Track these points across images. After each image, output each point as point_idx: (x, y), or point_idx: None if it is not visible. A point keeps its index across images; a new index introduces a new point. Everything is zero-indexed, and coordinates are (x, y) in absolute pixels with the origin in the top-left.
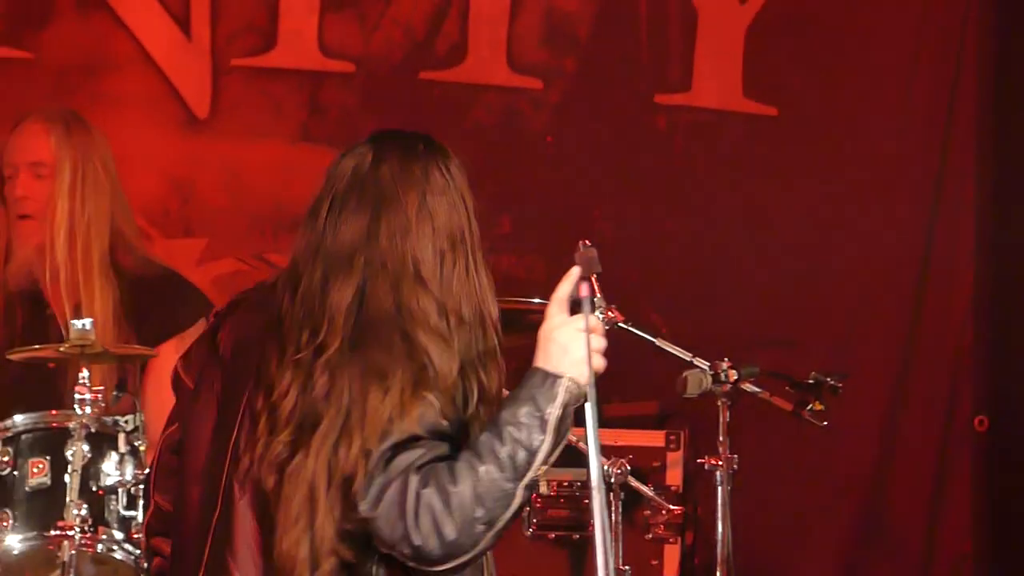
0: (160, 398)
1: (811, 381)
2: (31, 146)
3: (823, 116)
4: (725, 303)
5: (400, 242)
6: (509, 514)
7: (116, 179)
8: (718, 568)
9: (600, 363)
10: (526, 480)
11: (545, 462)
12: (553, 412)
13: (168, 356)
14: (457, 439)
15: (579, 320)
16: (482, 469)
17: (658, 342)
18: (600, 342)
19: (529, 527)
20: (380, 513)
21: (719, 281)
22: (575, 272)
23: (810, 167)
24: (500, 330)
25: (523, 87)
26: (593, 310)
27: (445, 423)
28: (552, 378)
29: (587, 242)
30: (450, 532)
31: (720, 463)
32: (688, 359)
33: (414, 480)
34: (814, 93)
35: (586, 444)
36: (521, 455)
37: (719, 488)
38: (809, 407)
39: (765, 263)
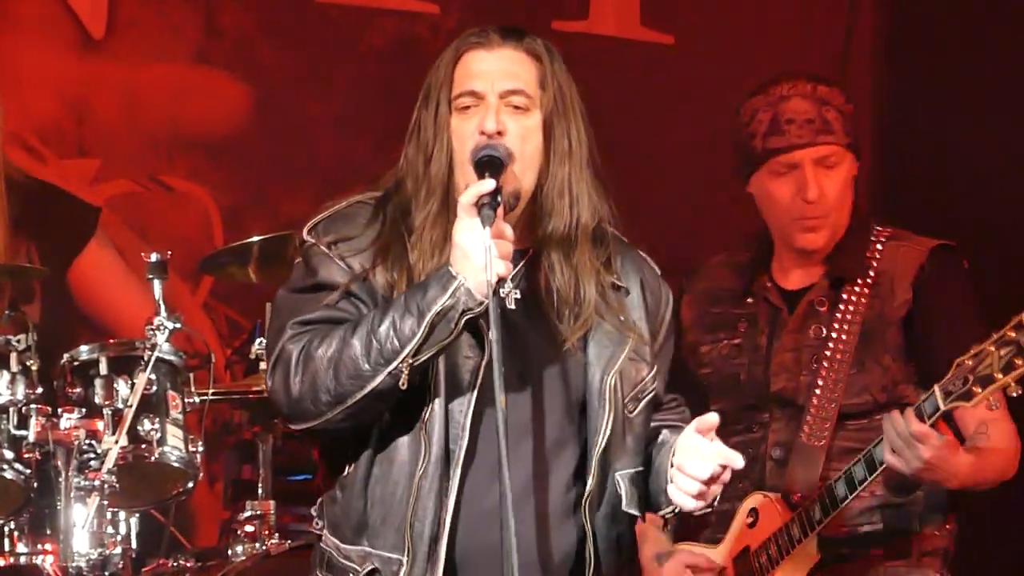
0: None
1: None
2: None
3: (720, 45)
4: (621, 229)
5: None
6: (361, 395)
7: None
8: None
9: (503, 268)
10: (390, 368)
11: (413, 356)
12: (434, 308)
13: (83, 271)
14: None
15: (480, 226)
16: (352, 341)
17: None
18: (505, 248)
19: None
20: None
21: (615, 208)
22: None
23: (707, 96)
24: None
25: (420, 11)
26: (492, 219)
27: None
28: (448, 276)
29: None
30: (295, 391)
31: None
32: None
33: (288, 333)
34: (710, 21)
35: None
36: (393, 341)
37: None
38: None
39: (662, 191)
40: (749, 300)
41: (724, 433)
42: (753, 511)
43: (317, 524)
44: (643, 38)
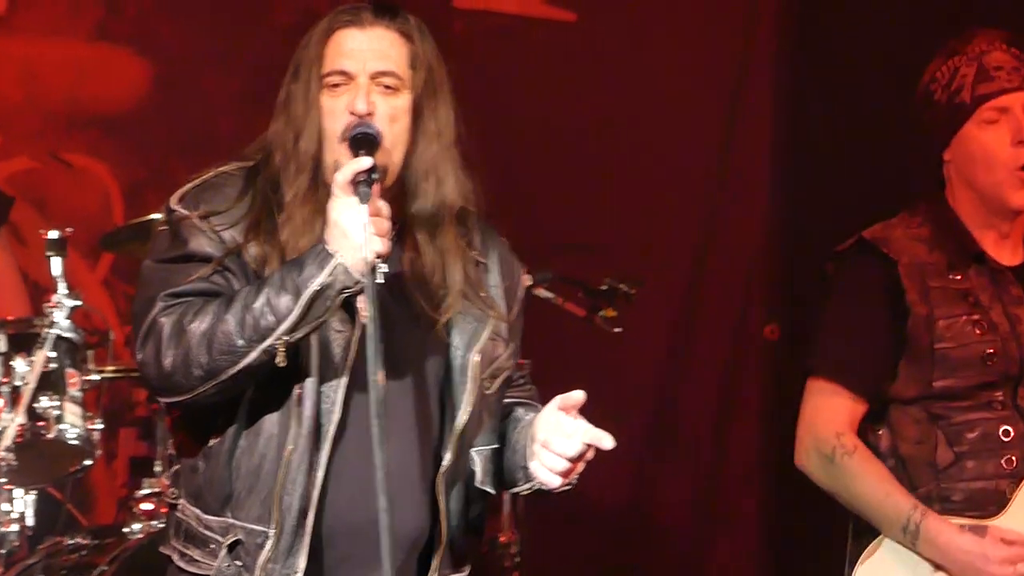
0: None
1: (605, 287)
2: None
3: (622, 22)
4: (522, 208)
5: None
6: (234, 371)
7: None
8: None
9: (380, 245)
10: (264, 344)
11: (288, 333)
12: (311, 286)
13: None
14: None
15: (357, 204)
16: (226, 317)
17: None
18: (382, 225)
19: None
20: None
21: (515, 185)
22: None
23: (608, 74)
24: None
25: None
26: (369, 196)
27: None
28: (325, 254)
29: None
30: (168, 364)
31: None
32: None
33: (159, 305)
34: None
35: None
36: (268, 318)
37: None
38: (602, 313)
39: (562, 168)
40: (957, 276)
41: (951, 410)
42: None
43: (172, 493)
44: (545, 15)
